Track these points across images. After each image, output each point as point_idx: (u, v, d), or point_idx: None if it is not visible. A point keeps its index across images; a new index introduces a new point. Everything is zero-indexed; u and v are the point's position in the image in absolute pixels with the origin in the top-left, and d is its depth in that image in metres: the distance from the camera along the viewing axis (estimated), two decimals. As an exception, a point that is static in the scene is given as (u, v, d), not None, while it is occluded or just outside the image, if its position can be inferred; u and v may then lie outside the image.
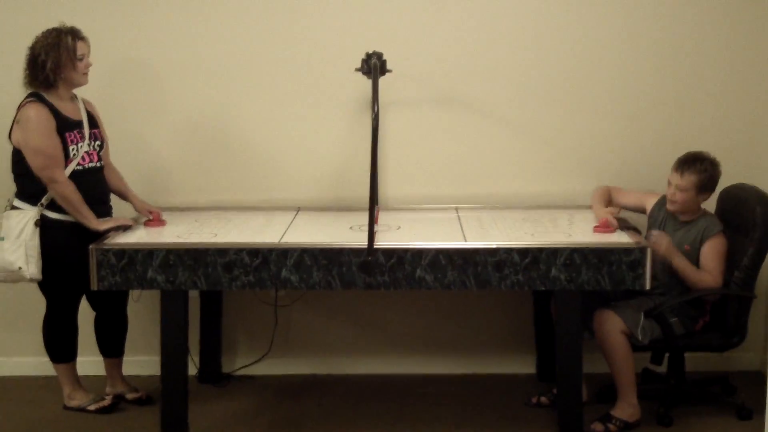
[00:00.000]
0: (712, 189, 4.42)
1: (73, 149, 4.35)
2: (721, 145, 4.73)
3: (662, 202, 4.53)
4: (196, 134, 5.00)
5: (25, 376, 5.11)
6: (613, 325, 4.31)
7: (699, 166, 4.35)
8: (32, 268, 4.30)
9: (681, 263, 4.31)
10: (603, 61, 4.86)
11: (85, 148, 4.41)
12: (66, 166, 4.32)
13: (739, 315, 4.38)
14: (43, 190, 4.32)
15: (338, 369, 5.16)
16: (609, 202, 4.63)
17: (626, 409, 4.36)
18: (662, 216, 4.52)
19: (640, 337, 4.29)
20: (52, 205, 4.34)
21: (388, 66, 4.55)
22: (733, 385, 4.72)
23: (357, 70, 4.55)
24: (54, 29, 4.32)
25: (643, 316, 4.30)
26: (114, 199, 4.65)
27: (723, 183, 4.57)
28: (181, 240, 4.25)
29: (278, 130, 4.99)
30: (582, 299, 4.14)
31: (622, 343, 4.30)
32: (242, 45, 4.92)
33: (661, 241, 4.31)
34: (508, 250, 4.05)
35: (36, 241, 4.30)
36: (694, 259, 4.37)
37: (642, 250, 4.04)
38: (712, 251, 4.36)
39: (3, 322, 5.17)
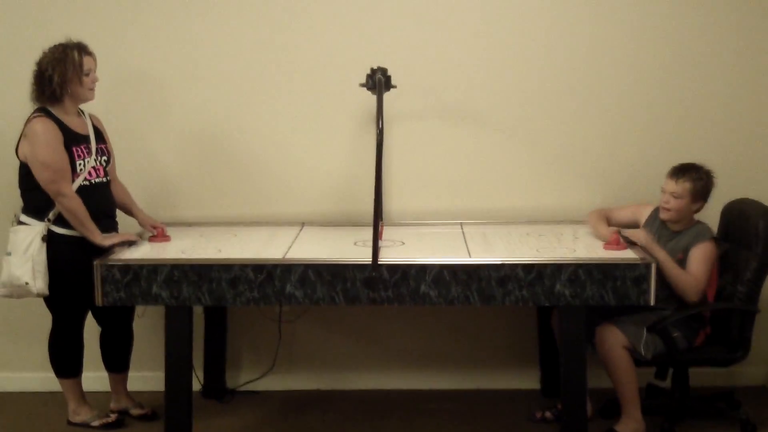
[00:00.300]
0: (705, 198, 4.43)
1: (80, 164, 4.36)
2: (727, 159, 4.76)
3: (656, 213, 4.54)
4: (201, 148, 5.02)
5: (30, 391, 5.11)
6: (615, 340, 4.30)
7: (694, 174, 4.37)
8: (39, 283, 4.31)
9: (661, 256, 4.28)
10: (610, 75, 4.87)
11: (92, 163, 4.41)
12: (73, 180, 4.32)
13: (742, 329, 4.38)
14: (50, 205, 4.32)
15: (342, 384, 5.16)
16: (608, 222, 4.62)
17: (630, 424, 4.35)
18: (656, 226, 4.52)
19: (642, 352, 4.29)
20: (59, 220, 4.34)
21: (393, 81, 4.56)
22: (738, 399, 4.70)
23: (362, 85, 4.55)
24: (61, 44, 4.33)
25: (645, 331, 4.30)
26: (119, 214, 4.65)
27: (728, 196, 4.58)
28: (185, 255, 4.25)
29: (283, 145, 5.00)
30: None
31: (625, 359, 4.30)
32: (247, 60, 4.93)
33: (639, 234, 4.34)
34: (513, 266, 4.05)
35: (43, 256, 4.31)
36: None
37: (647, 266, 4.03)
38: (698, 255, 4.36)
39: (9, 337, 5.17)
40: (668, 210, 4.41)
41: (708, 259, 4.36)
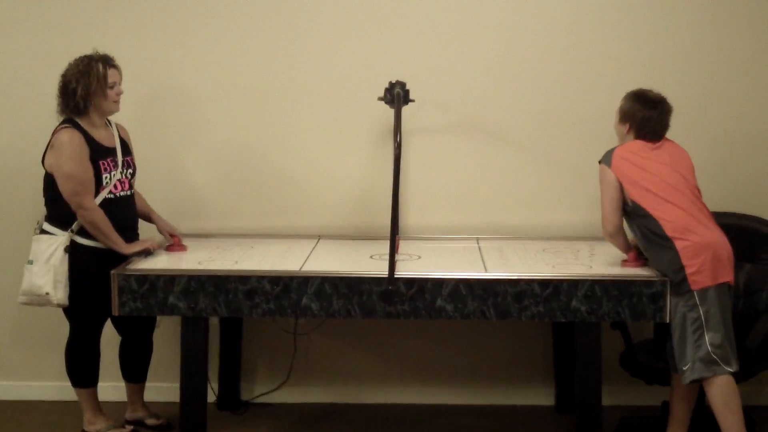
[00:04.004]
0: (628, 120, 4.29)
1: (106, 177, 4.37)
2: (738, 173, 4.75)
3: None
4: (221, 161, 5.04)
5: (46, 400, 5.12)
6: (677, 386, 4.24)
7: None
8: (60, 293, 4.32)
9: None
10: (628, 90, 4.87)
11: (118, 176, 4.43)
12: (98, 193, 4.34)
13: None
14: (74, 216, 4.33)
15: (357, 398, 5.15)
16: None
17: None
18: None
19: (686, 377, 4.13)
20: (82, 231, 4.35)
21: (411, 95, 4.58)
22: (754, 419, 4.67)
23: (380, 99, 4.57)
24: (86, 56, 4.35)
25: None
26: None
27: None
28: (202, 266, 4.26)
29: (301, 158, 5.02)
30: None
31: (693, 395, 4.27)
32: (268, 74, 4.96)
33: None
34: (529, 281, 4.04)
35: (65, 267, 4.32)
36: None
37: (663, 283, 4.02)
38: None
39: (26, 346, 5.19)
40: None
41: (601, 183, 4.23)
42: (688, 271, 4.02)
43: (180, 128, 5.03)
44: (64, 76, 4.34)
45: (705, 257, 4.01)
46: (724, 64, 4.90)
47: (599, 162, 4.26)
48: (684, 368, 4.07)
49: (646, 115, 4.23)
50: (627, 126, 4.29)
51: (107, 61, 4.37)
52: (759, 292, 4.44)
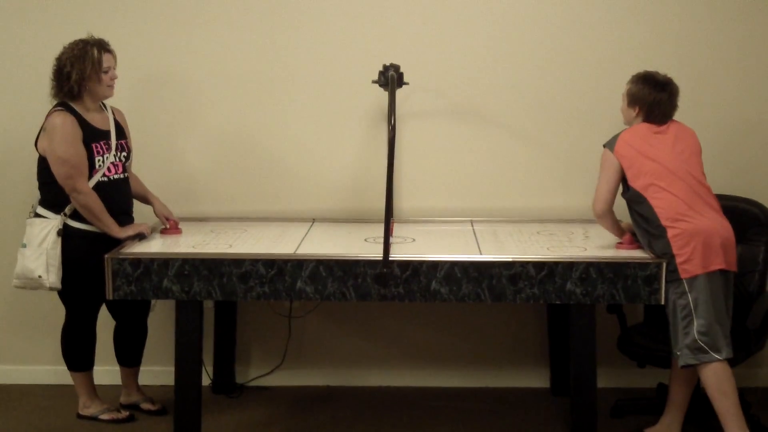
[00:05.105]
0: (637, 104, 4.28)
1: (99, 160, 4.36)
2: (729, 156, 4.75)
3: None
4: (215, 145, 5.03)
5: (42, 384, 5.13)
6: (675, 369, 4.25)
7: (632, 78, 4.34)
8: (52, 276, 4.32)
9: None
10: (621, 76, 4.83)
11: (111, 159, 4.42)
12: (91, 176, 4.33)
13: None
14: (67, 200, 4.32)
15: (351, 381, 5.16)
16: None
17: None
18: None
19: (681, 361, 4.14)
20: (75, 215, 4.35)
21: (406, 78, 4.57)
22: (748, 401, 4.69)
23: (374, 82, 4.56)
24: (81, 41, 4.33)
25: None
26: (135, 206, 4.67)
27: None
28: (196, 250, 4.26)
29: (295, 141, 5.01)
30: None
31: (691, 379, 4.28)
32: (261, 58, 4.95)
33: None
34: (524, 264, 4.05)
35: (57, 251, 4.32)
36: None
37: (658, 265, 4.03)
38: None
39: (22, 330, 5.19)
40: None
41: (602, 165, 4.25)
42: (678, 260, 4.03)
43: (174, 113, 5.01)
44: (58, 59, 4.32)
45: (695, 244, 4.01)
46: (717, 49, 4.89)
47: (603, 146, 4.27)
48: (678, 353, 4.09)
49: (656, 98, 4.23)
50: (636, 109, 4.28)
51: (102, 46, 4.35)
52: (750, 273, 4.45)
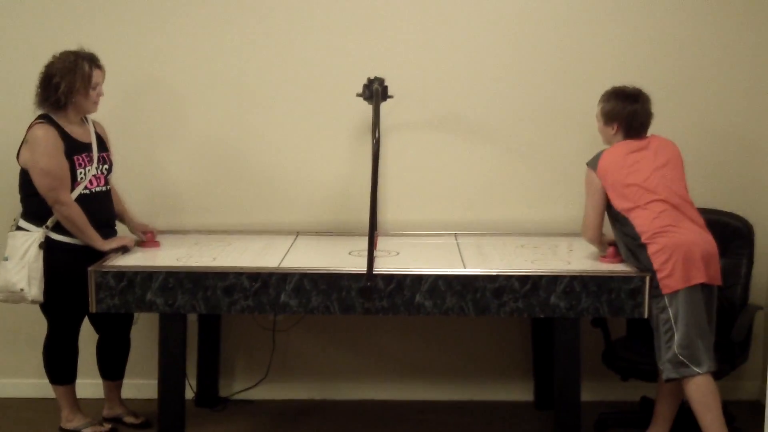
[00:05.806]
0: (614, 121, 4.27)
1: (80, 173, 4.35)
2: (710, 169, 4.76)
3: None
4: (197, 157, 5.02)
5: (23, 397, 5.10)
6: (661, 382, 4.26)
7: (603, 97, 4.34)
8: (34, 289, 4.30)
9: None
10: (606, 88, 4.87)
11: (93, 171, 4.40)
12: (73, 189, 4.31)
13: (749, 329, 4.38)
14: (49, 212, 4.31)
15: (336, 394, 5.15)
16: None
17: None
18: None
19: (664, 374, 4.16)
20: (58, 227, 4.33)
21: (390, 91, 4.57)
22: (732, 413, 4.70)
23: (358, 95, 4.56)
24: (73, 53, 4.31)
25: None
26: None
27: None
28: (180, 263, 4.24)
29: (279, 154, 5.00)
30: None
31: (677, 393, 4.28)
32: (245, 70, 4.94)
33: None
34: (508, 277, 4.05)
35: (39, 264, 4.30)
36: None
37: (642, 279, 4.04)
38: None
39: (3, 343, 5.16)
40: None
41: (587, 190, 4.27)
42: (659, 275, 4.04)
43: (158, 124, 5.00)
44: (48, 69, 4.29)
45: (676, 258, 4.02)
46: (700, 59, 4.91)
47: (587, 164, 4.28)
48: (661, 367, 4.10)
49: (631, 110, 4.24)
50: (614, 126, 4.28)
51: (93, 61, 4.34)
52: (734, 286, 4.47)
